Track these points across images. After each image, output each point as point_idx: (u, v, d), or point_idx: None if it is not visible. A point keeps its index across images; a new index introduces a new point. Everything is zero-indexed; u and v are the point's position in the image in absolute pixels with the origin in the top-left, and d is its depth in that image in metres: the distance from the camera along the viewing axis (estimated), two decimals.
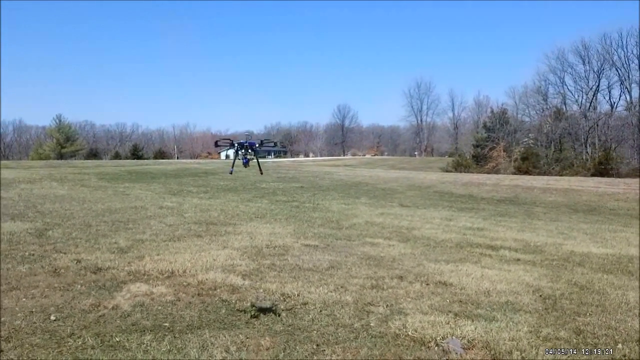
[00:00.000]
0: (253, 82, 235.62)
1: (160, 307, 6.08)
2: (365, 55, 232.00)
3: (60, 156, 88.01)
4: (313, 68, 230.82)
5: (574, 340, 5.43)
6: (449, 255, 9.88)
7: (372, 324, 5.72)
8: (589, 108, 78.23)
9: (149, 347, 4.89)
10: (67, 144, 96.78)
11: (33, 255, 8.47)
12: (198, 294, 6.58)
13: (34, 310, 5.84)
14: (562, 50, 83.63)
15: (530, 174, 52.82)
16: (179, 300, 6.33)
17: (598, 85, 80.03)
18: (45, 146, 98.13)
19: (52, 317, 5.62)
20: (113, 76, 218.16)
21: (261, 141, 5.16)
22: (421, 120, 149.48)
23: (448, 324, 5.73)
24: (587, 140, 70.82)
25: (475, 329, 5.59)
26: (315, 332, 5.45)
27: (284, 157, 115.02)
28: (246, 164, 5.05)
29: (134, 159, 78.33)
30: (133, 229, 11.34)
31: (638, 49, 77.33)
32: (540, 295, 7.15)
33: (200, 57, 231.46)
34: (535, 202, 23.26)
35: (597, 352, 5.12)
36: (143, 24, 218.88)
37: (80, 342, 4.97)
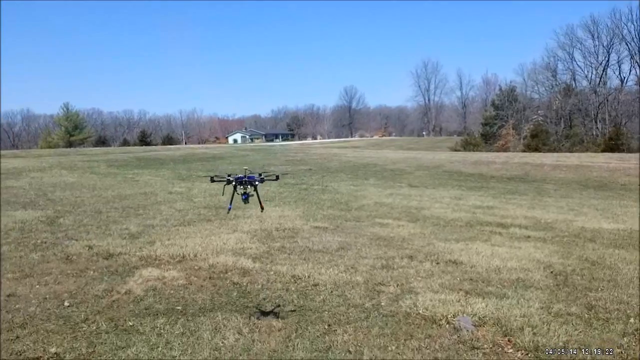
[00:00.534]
0: (259, 66, 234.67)
1: (172, 291, 6.13)
2: (372, 36, 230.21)
3: (69, 144, 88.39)
4: (319, 50, 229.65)
5: (586, 315, 5.42)
6: (459, 234, 9.87)
7: (383, 304, 5.75)
8: (599, 83, 77.24)
9: (162, 331, 4.95)
10: (75, 132, 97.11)
11: (45, 242, 8.55)
12: (209, 278, 6.63)
13: (47, 296, 5.91)
14: (571, 26, 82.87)
15: (540, 151, 52.39)
16: (191, 284, 6.38)
17: (608, 60, 78.88)
18: (54, 135, 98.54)
19: (66, 303, 5.69)
20: (119, 63, 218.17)
21: (260, 175, 4.84)
22: (429, 100, 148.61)
23: (459, 301, 5.74)
24: (597, 115, 70.08)
25: (486, 306, 5.59)
26: (326, 312, 5.47)
27: (292, 141, 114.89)
28: (246, 199, 4.75)
29: (142, 145, 78.51)
30: (143, 215, 11.41)
31: None
32: (551, 272, 7.13)
33: (206, 42, 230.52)
34: (546, 179, 23.14)
35: (610, 326, 5.11)
36: (149, 11, 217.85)
37: (94, 327, 5.03)
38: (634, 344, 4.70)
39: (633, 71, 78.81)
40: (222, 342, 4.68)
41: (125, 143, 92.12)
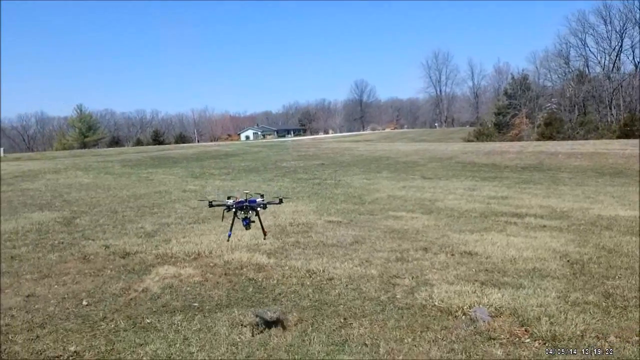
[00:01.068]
0: (270, 62, 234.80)
1: (188, 288, 6.19)
2: (381, 29, 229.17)
3: (84, 145, 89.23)
4: (329, 44, 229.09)
5: (603, 303, 5.38)
6: (474, 225, 9.83)
7: (398, 296, 5.75)
8: (613, 69, 76.31)
9: (179, 327, 5.00)
10: (89, 133, 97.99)
11: (62, 243, 8.66)
12: (225, 274, 6.68)
13: (66, 296, 6.00)
14: (583, 12, 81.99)
15: (554, 140, 51.86)
16: (207, 281, 6.43)
17: (621, 45, 77.84)
18: (68, 136, 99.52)
19: (84, 302, 5.77)
20: (131, 64, 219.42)
21: (262, 197, 4.53)
22: (440, 91, 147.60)
23: (474, 292, 5.72)
24: (611, 102, 69.21)
25: (502, 296, 5.57)
26: (342, 306, 5.49)
27: (304, 136, 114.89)
28: (247, 225, 4.39)
29: (155, 144, 78.99)
30: (158, 213, 11.51)
31: None
32: (568, 261, 7.08)
33: (217, 39, 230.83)
34: (561, 168, 22.93)
35: (628, 314, 5.06)
36: (157, 10, 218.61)
37: (112, 325, 5.09)
38: None
39: None
40: (239, 338, 4.71)
41: (138, 143, 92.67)
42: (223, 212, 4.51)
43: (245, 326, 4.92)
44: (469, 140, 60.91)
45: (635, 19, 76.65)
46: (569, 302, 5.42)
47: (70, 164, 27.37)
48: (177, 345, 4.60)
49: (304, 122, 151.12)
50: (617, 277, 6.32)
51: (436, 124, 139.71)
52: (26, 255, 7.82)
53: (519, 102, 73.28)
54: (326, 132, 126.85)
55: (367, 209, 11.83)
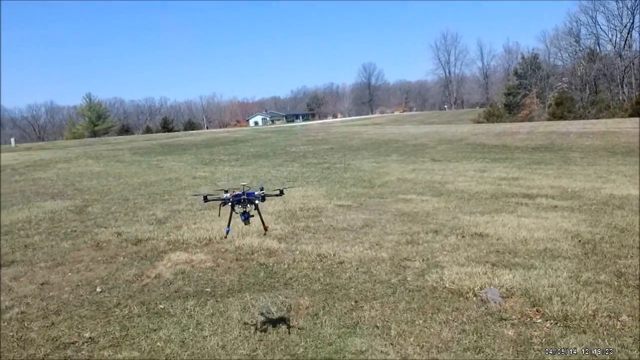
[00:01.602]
0: (276, 47, 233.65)
1: (200, 274, 6.24)
2: (389, 11, 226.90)
3: (94, 134, 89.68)
4: (336, 28, 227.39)
5: (615, 283, 5.36)
6: (484, 206, 9.79)
7: (409, 279, 5.76)
8: (624, 47, 74.99)
9: (192, 312, 5.05)
10: (99, 121, 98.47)
11: (75, 231, 8.74)
12: (236, 259, 6.72)
13: (80, 283, 6.07)
14: None
15: (565, 119, 51.35)
16: (218, 266, 6.48)
17: (632, 22, 76.29)
18: (78, 125, 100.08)
19: (98, 289, 5.84)
20: (138, 51, 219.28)
21: (262, 190, 4.06)
22: (449, 73, 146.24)
23: (485, 274, 5.72)
24: (623, 80, 68.20)
25: (514, 277, 5.57)
26: (352, 289, 5.52)
27: (312, 120, 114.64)
28: (246, 219, 3.98)
29: (164, 132, 79.21)
30: (169, 200, 11.57)
31: None
32: (580, 241, 7.05)
33: (222, 25, 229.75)
34: (572, 148, 22.71)
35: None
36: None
37: (126, 311, 5.16)
38: None
39: None
40: (251, 322, 4.75)
41: (148, 130, 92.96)
42: (220, 208, 4.11)
43: (257, 309, 4.97)
44: (479, 122, 60.54)
45: None
46: (581, 282, 5.40)
47: (81, 153, 27.55)
48: (190, 329, 4.65)
49: (312, 106, 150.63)
50: (629, 256, 6.28)
51: (445, 106, 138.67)
52: (40, 244, 7.91)
53: (530, 82, 72.46)
54: (335, 117, 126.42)
55: (377, 193, 11.82)
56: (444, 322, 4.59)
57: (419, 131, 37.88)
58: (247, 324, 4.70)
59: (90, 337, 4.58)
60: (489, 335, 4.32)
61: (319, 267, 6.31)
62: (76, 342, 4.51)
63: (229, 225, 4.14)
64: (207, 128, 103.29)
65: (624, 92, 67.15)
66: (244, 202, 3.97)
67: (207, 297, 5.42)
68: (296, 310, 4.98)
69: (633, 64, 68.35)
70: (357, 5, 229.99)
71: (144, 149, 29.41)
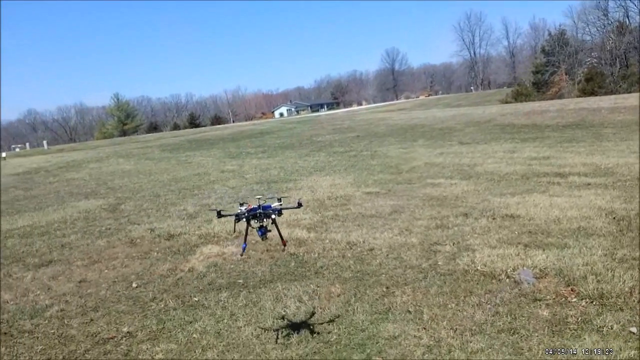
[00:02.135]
0: (298, 37, 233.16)
1: (232, 266, 6.32)
2: None
3: (123, 133, 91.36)
4: (357, 13, 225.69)
5: None
6: (515, 187, 9.65)
7: (439, 263, 5.73)
8: None
9: (226, 304, 5.13)
10: (127, 120, 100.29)
11: (109, 229, 8.94)
12: (267, 250, 6.78)
13: (116, 280, 6.22)
14: None
15: (596, 95, 50.04)
16: (250, 258, 6.55)
17: None
18: (108, 125, 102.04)
19: (134, 285, 5.97)
20: (162, 49, 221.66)
21: (279, 201, 3.89)
22: (474, 53, 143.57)
23: (518, 255, 5.65)
24: None
25: (547, 257, 5.49)
26: (383, 275, 5.52)
27: (337, 109, 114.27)
28: (263, 235, 3.75)
29: (191, 127, 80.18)
30: (199, 195, 11.73)
31: None
32: (614, 218, 6.90)
33: (244, 17, 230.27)
34: (604, 124, 22.15)
35: None
36: None
37: (162, 305, 5.27)
38: None
39: None
40: (284, 311, 4.81)
41: (175, 127, 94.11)
42: (235, 225, 3.83)
43: (289, 299, 5.02)
44: (506, 102, 59.40)
45: None
46: (616, 259, 5.30)
47: (112, 152, 28.08)
48: (225, 321, 4.73)
49: (336, 95, 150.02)
50: None
51: (472, 88, 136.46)
52: (76, 243, 8.12)
53: (558, 59, 70.71)
54: (359, 104, 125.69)
55: (405, 178, 11.76)
56: (477, 305, 4.56)
57: (445, 114, 37.42)
58: (281, 317, 4.75)
59: (128, 332, 4.70)
60: (523, 317, 4.27)
61: (349, 254, 6.33)
62: (115, 337, 4.63)
63: (245, 242, 3.92)
64: (233, 122, 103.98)
65: None
66: (260, 216, 3.73)
67: (240, 289, 5.50)
68: (328, 299, 5.01)
69: None
70: None
71: (172, 146, 29.81)
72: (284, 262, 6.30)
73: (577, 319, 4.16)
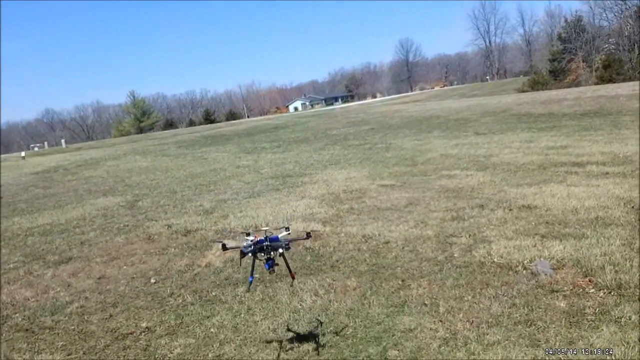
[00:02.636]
0: (312, 30, 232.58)
1: (249, 260, 6.33)
2: None
3: (140, 130, 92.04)
4: (370, 5, 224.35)
5: None
6: (532, 178, 9.57)
7: (455, 255, 5.72)
8: None
9: (243, 298, 5.17)
10: (144, 117, 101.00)
11: (127, 225, 9.05)
12: None
13: (135, 276, 6.30)
14: None
15: (614, 82, 49.24)
16: None
17: None
18: (125, 123, 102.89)
19: (152, 280, 6.05)
20: (176, 46, 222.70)
21: (287, 231, 3.75)
22: (490, 42, 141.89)
23: (535, 246, 5.62)
24: None
25: (564, 248, 5.44)
26: (399, 268, 5.52)
27: (352, 102, 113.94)
28: (270, 268, 3.53)
29: (207, 123, 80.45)
30: (215, 191, 11.81)
31: None
32: (633, 207, 6.81)
33: (256, 11, 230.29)
34: (622, 111, 21.81)
35: None
36: None
37: (180, 300, 5.33)
38: None
39: None
40: (301, 305, 4.83)
41: (191, 123, 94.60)
42: (240, 258, 3.63)
43: (305, 292, 5.04)
44: (523, 91, 58.74)
45: None
46: (635, 249, 5.24)
47: (129, 150, 28.36)
48: (242, 315, 4.77)
49: (350, 88, 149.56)
50: None
51: (487, 77, 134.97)
52: (94, 240, 8.24)
53: (574, 46, 69.67)
54: (374, 97, 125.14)
55: (420, 170, 11.71)
56: (494, 297, 4.54)
57: (460, 105, 37.13)
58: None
59: (147, 327, 4.77)
60: (540, 308, 4.25)
61: (364, 248, 6.34)
62: (134, 332, 4.70)
63: (252, 275, 3.77)
64: (247, 117, 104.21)
65: None
66: (267, 249, 3.50)
67: (256, 283, 5.53)
68: (344, 292, 5.03)
69: None
70: None
71: (188, 142, 30.01)
72: (299, 256, 6.32)
73: (595, 310, 4.13)
